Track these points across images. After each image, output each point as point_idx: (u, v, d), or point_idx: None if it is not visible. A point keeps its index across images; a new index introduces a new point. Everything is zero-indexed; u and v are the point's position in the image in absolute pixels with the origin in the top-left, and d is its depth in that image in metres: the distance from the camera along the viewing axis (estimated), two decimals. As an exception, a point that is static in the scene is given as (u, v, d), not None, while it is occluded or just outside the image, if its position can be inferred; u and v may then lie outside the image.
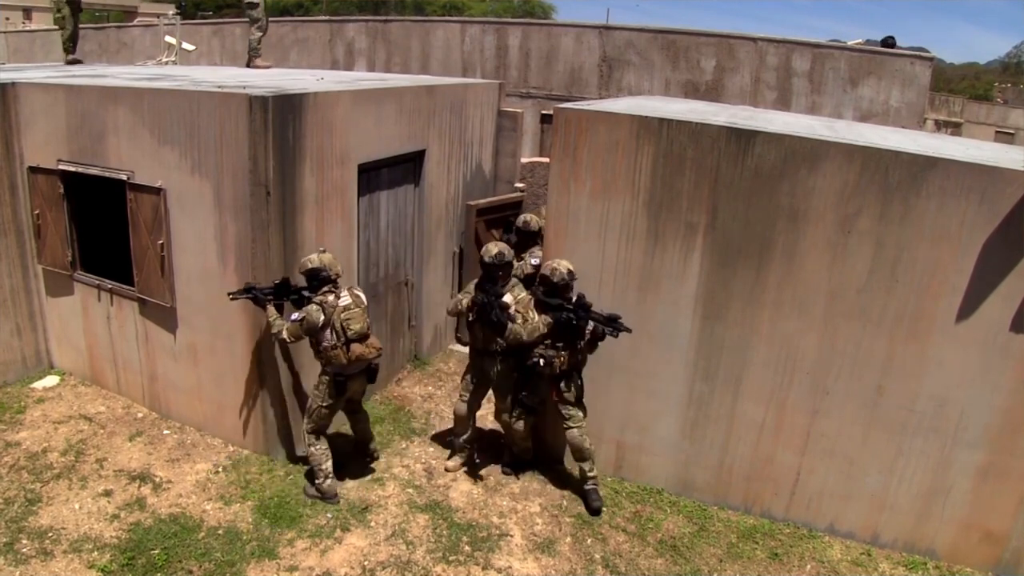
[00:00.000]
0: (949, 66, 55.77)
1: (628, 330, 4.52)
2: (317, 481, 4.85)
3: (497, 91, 7.66)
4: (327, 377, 4.64)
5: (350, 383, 4.69)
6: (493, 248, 4.86)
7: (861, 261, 4.38)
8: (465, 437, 5.26)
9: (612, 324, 4.52)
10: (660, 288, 4.87)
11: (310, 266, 4.55)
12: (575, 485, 5.16)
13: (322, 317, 4.45)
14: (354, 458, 5.31)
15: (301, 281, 4.68)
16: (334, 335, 4.48)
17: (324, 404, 4.70)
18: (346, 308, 4.49)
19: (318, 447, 4.80)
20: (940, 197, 4.15)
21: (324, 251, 4.68)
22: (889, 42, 10.39)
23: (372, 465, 5.33)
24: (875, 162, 4.24)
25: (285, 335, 4.55)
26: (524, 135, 9.01)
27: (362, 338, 4.53)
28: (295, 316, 4.52)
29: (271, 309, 4.65)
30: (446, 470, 5.31)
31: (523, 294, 4.91)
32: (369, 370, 4.78)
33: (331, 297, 4.50)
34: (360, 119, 5.40)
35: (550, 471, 5.35)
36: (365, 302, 4.66)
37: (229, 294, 4.73)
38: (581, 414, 4.96)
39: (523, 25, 12.55)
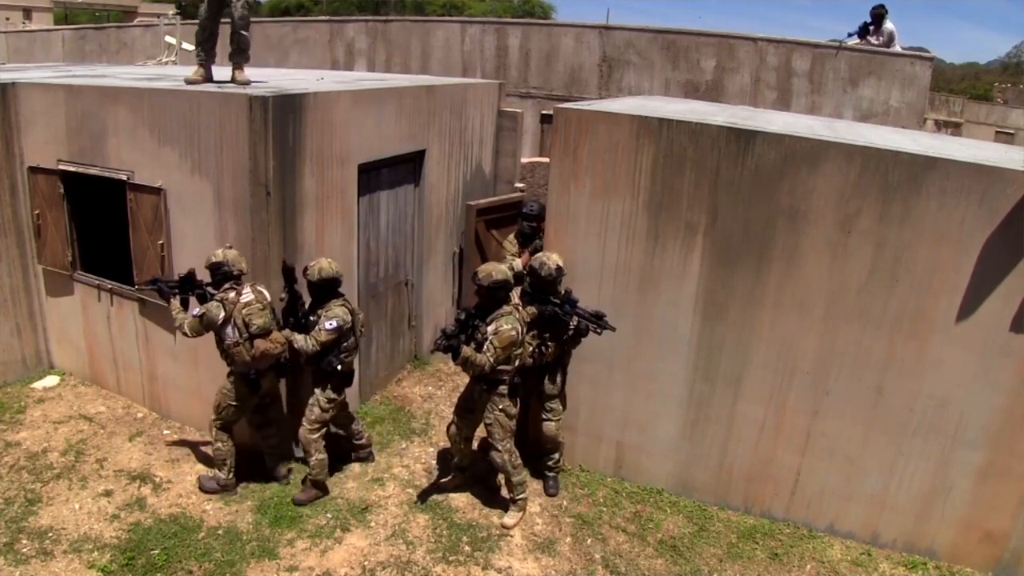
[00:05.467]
0: (949, 66, 55.72)
1: (612, 328, 4.50)
2: (219, 474, 4.83)
3: (497, 91, 7.66)
4: (234, 376, 4.60)
5: (262, 380, 4.64)
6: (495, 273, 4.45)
7: (861, 261, 4.38)
8: (456, 461, 5.15)
9: (597, 321, 4.52)
10: (660, 288, 4.87)
11: (213, 260, 4.50)
12: (539, 469, 5.22)
13: (222, 314, 4.39)
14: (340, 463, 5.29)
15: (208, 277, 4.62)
16: (236, 332, 4.42)
17: (233, 403, 4.64)
18: (247, 304, 4.43)
19: (225, 443, 4.75)
20: (940, 197, 4.15)
21: (230, 247, 4.63)
22: (879, 11, 10.13)
23: (368, 467, 5.34)
24: (875, 162, 4.24)
25: (186, 329, 4.49)
26: (524, 135, 9.01)
27: (265, 334, 4.47)
28: (196, 311, 4.47)
29: (175, 303, 4.61)
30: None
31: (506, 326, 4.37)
32: (279, 366, 4.73)
33: (232, 294, 4.43)
34: (360, 119, 5.40)
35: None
36: (269, 299, 4.59)
37: (137, 286, 4.70)
38: (561, 408, 4.99)
39: (523, 25, 12.53)
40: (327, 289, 4.57)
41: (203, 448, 5.29)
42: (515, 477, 4.76)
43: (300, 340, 4.52)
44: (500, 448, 4.64)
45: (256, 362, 4.51)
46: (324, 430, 4.79)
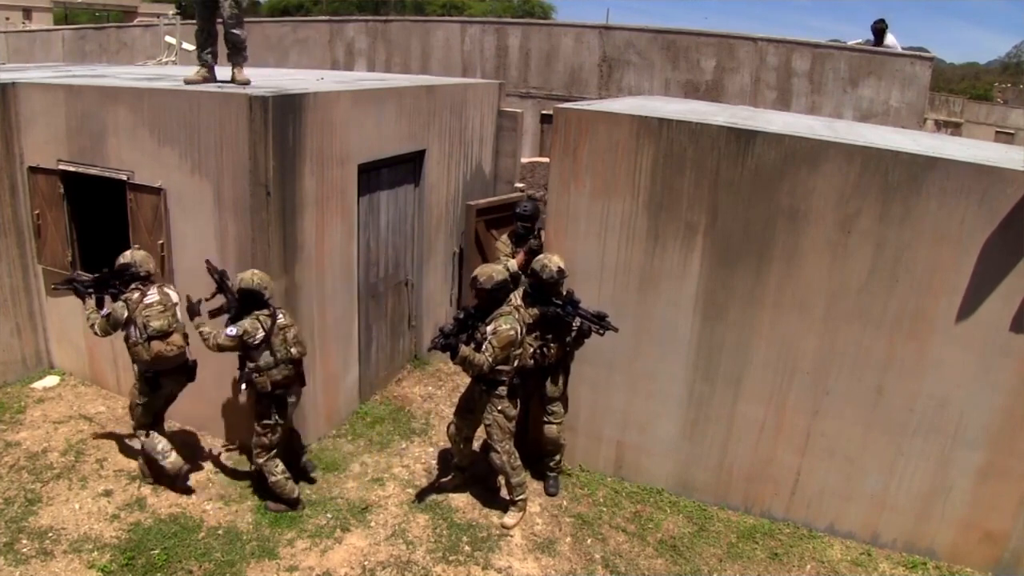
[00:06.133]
0: (949, 66, 55.69)
1: (615, 329, 4.50)
2: (160, 463, 4.81)
3: (497, 91, 7.66)
4: (138, 375, 4.70)
5: (164, 380, 4.67)
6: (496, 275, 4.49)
7: (861, 261, 4.38)
8: (456, 461, 5.13)
9: (599, 322, 4.52)
10: (660, 288, 4.87)
11: (121, 261, 4.61)
12: (539, 469, 5.23)
13: (126, 313, 4.50)
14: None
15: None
16: (137, 332, 4.51)
17: (139, 401, 4.72)
18: (149, 305, 4.52)
19: (149, 437, 4.79)
20: (940, 197, 4.15)
21: (138, 248, 4.76)
22: (880, 26, 10.18)
23: (368, 467, 5.33)
24: (875, 162, 4.24)
25: (96, 329, 4.59)
26: (524, 135, 9.01)
27: (162, 336, 4.51)
28: (103, 311, 4.60)
29: (89, 302, 4.68)
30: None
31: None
32: (186, 368, 4.74)
33: (136, 294, 4.54)
34: (360, 119, 5.40)
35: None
36: (175, 300, 4.66)
37: (52, 285, 4.77)
38: (563, 410, 4.99)
39: (523, 25, 12.54)
40: (247, 299, 4.46)
41: (201, 447, 5.31)
42: (514, 478, 4.75)
43: (206, 330, 4.48)
44: (499, 449, 4.64)
45: (154, 362, 4.54)
46: (271, 453, 4.63)
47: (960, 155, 4.35)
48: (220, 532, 4.54)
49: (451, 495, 5.06)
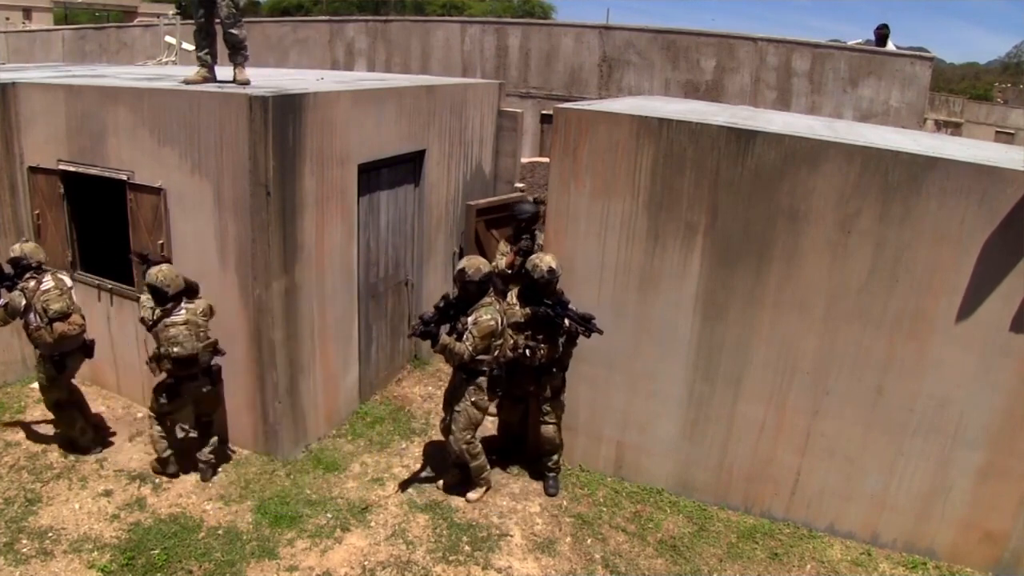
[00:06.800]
0: (949, 66, 55.66)
1: (600, 331, 4.53)
2: (80, 439, 5.23)
3: (497, 91, 7.66)
4: (41, 359, 4.94)
5: (68, 360, 4.93)
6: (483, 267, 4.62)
7: (861, 261, 4.38)
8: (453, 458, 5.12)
9: (585, 324, 4.54)
10: (660, 288, 4.87)
11: (12, 255, 4.87)
12: (539, 469, 5.27)
13: (23, 301, 4.74)
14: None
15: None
16: (37, 317, 4.74)
17: (45, 383, 5.01)
18: (46, 291, 4.74)
19: (62, 417, 5.18)
20: (940, 197, 4.15)
21: (27, 241, 5.06)
22: (883, 31, 10.23)
23: (368, 467, 5.33)
24: (875, 162, 4.24)
25: None
26: (524, 135, 9.01)
27: (63, 317, 4.73)
28: (1, 302, 4.81)
29: None
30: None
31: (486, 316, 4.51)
32: (85, 347, 5.01)
33: (32, 283, 4.78)
34: (360, 119, 5.40)
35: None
36: (69, 284, 4.94)
37: None
38: (558, 411, 5.01)
39: (523, 25, 12.55)
40: (152, 292, 4.65)
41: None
42: (473, 463, 4.87)
43: (143, 303, 4.70)
44: (458, 436, 4.73)
45: (58, 344, 4.79)
46: (160, 426, 4.88)
47: (960, 155, 4.34)
48: (220, 532, 4.54)
49: (451, 495, 5.06)
